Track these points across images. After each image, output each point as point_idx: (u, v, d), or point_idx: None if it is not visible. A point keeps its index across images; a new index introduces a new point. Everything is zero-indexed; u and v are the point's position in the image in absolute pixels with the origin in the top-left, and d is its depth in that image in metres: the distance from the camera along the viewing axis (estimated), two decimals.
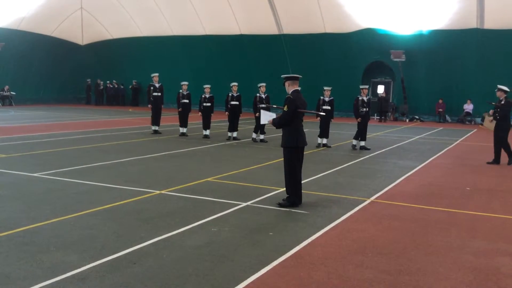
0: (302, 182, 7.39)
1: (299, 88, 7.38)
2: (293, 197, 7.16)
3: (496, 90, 12.25)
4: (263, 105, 14.90)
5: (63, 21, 33.81)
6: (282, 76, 7.53)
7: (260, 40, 29.91)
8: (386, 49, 26.68)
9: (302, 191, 7.34)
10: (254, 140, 15.21)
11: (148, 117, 18.03)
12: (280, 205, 7.14)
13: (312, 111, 7.48)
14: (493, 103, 12.66)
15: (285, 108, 7.11)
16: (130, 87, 35.67)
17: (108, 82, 36.36)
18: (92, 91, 36.74)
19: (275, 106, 7.96)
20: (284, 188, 7.44)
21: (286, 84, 7.36)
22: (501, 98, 12.01)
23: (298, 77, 7.43)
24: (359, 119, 13.91)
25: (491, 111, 12.84)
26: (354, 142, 14.13)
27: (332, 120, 14.51)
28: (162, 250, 5.18)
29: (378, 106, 26.65)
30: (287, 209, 6.98)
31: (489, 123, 12.52)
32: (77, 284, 4.29)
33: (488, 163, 12.04)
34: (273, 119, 7.34)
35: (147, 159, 11.27)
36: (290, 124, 7.15)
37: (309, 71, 28.81)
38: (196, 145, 14.06)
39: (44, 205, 6.88)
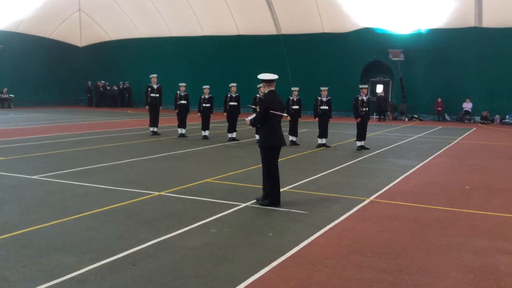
0: (302, 182, 7.38)
1: (276, 89, 7.37)
2: (270, 196, 7.14)
3: None
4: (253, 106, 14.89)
5: (61, 23, 33.83)
6: (258, 76, 7.46)
7: (258, 41, 29.92)
8: (385, 48, 26.71)
9: (302, 191, 7.33)
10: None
11: (147, 119, 18.00)
12: (259, 202, 7.17)
13: (283, 114, 7.45)
14: None
15: (258, 109, 7.26)
16: (113, 87, 35.73)
17: (102, 82, 36.32)
18: (93, 93, 36.65)
19: (253, 106, 8.01)
20: (284, 189, 7.42)
21: (262, 85, 7.44)
22: None
23: (273, 79, 7.39)
24: (358, 119, 13.89)
25: None
26: (358, 143, 14.09)
27: (330, 119, 14.54)
28: (161, 252, 5.17)
29: (377, 105, 26.66)
30: (286, 209, 6.97)
31: None
32: (76, 286, 4.28)
33: None
34: (250, 119, 7.43)
35: (146, 161, 11.26)
36: (262, 123, 7.25)
37: (307, 71, 28.92)
38: (195, 146, 14.04)
39: (43, 208, 6.86)
